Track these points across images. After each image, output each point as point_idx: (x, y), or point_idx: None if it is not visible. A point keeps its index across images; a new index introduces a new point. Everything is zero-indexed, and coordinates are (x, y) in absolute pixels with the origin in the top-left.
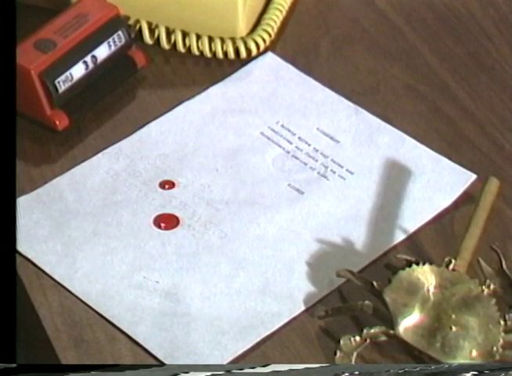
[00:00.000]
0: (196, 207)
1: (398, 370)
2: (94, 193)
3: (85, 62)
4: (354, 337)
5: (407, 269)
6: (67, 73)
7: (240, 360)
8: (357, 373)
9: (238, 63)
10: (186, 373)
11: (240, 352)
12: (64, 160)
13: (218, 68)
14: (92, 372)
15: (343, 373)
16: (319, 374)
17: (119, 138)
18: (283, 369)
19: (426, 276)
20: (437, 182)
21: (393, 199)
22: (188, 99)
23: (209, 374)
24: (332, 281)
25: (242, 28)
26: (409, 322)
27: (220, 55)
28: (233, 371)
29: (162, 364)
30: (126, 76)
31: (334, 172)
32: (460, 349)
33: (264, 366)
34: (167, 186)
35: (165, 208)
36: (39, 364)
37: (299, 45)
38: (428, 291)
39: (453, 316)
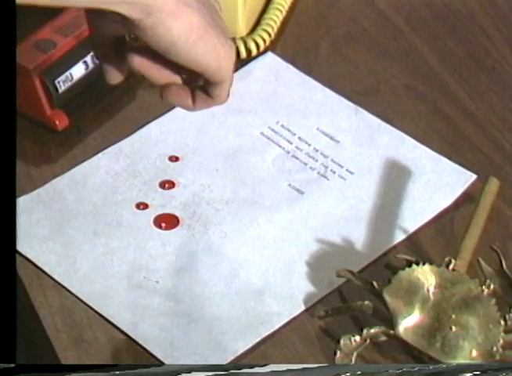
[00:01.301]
0: (196, 207)
1: (396, 370)
2: (94, 193)
3: (85, 62)
4: (354, 337)
5: (407, 269)
6: (67, 73)
7: (240, 360)
8: (358, 373)
9: (238, 63)
10: (188, 373)
11: (240, 352)
12: (64, 160)
13: None
14: (92, 372)
15: (343, 373)
16: (318, 374)
17: (119, 138)
18: (281, 369)
19: (426, 276)
20: (437, 182)
21: (393, 199)
22: None
23: (210, 374)
24: (332, 281)
25: (242, 28)
26: (409, 322)
27: None
28: (232, 371)
29: (161, 364)
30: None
31: (334, 172)
32: (460, 349)
33: (262, 366)
34: (167, 186)
35: (165, 208)
36: (39, 364)
37: (299, 45)
38: (428, 291)
39: (453, 316)
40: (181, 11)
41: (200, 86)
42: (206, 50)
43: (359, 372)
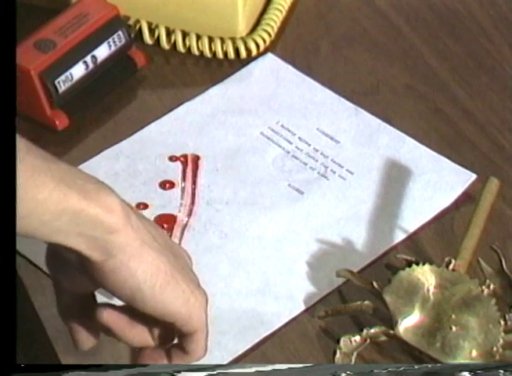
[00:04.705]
0: (196, 208)
1: (384, 370)
2: None
3: (85, 62)
4: (354, 337)
5: (407, 269)
6: (67, 73)
7: (240, 360)
8: (349, 373)
9: (238, 63)
10: (178, 372)
11: (240, 352)
12: (64, 161)
13: (218, 68)
14: (91, 372)
15: (341, 373)
16: (303, 374)
17: (119, 138)
18: (267, 369)
19: (426, 276)
20: (437, 182)
21: (393, 199)
22: (188, 99)
23: (198, 374)
24: (332, 281)
25: (242, 28)
26: (409, 322)
27: (220, 55)
28: (219, 371)
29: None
30: (126, 76)
31: (334, 172)
32: (460, 349)
33: (248, 366)
34: (167, 186)
35: (165, 208)
36: (39, 364)
37: (299, 46)
38: (428, 290)
39: (453, 316)
40: (145, 253)
41: (174, 344)
42: (174, 297)
43: (354, 372)
